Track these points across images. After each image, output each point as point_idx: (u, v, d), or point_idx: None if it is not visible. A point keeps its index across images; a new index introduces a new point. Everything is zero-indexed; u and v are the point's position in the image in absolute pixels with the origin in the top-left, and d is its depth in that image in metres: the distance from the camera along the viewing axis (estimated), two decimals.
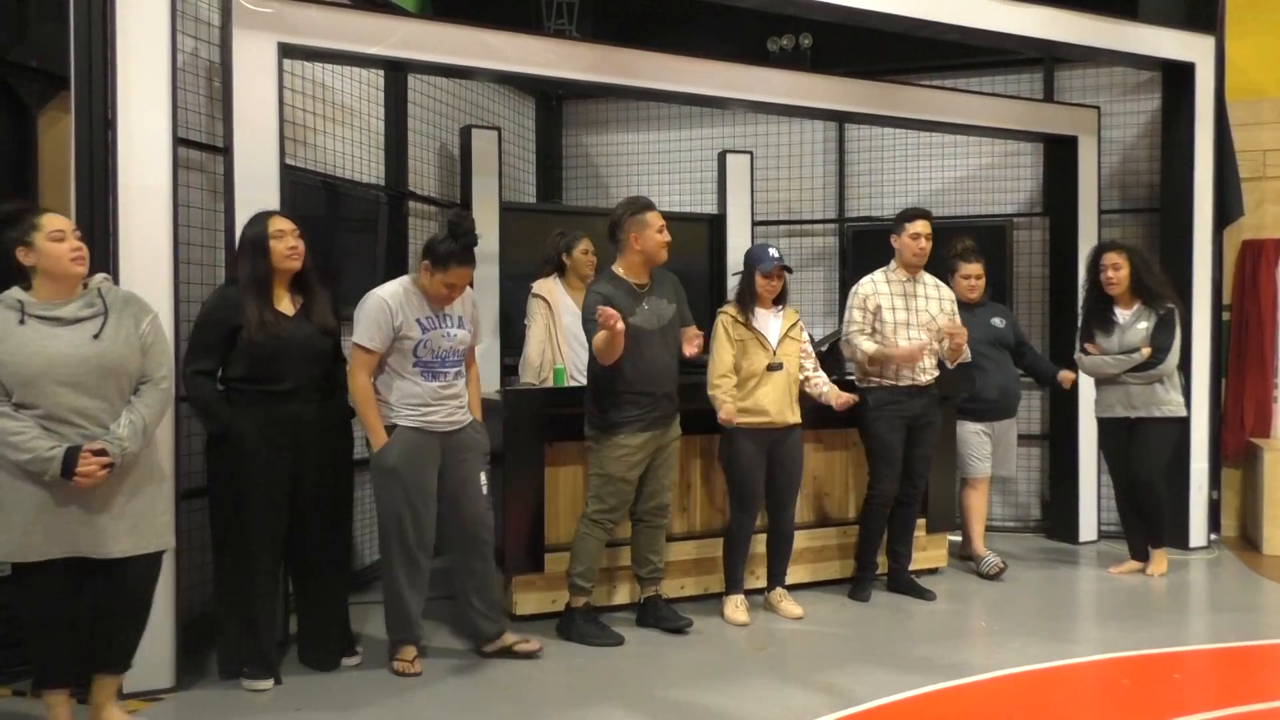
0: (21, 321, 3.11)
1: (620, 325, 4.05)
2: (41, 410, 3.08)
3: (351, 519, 4.15)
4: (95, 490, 3.13)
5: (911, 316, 4.95)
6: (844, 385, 5.07)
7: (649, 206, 4.39)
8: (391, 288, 3.96)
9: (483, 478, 4.10)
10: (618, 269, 4.40)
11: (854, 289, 5.07)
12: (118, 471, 3.16)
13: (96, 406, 3.16)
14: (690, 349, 4.38)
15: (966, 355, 5.06)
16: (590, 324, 4.21)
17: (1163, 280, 5.39)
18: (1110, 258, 5.32)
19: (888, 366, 4.90)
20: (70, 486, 3.09)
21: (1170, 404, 5.29)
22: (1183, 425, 5.47)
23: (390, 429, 3.92)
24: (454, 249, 3.89)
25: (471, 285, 4.16)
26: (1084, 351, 5.41)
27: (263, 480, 3.72)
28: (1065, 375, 5.63)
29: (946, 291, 5.15)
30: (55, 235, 3.15)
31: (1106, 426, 5.48)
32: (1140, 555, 5.52)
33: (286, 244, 3.76)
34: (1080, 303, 5.64)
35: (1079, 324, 5.54)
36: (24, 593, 3.19)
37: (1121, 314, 5.34)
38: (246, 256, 3.75)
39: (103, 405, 3.17)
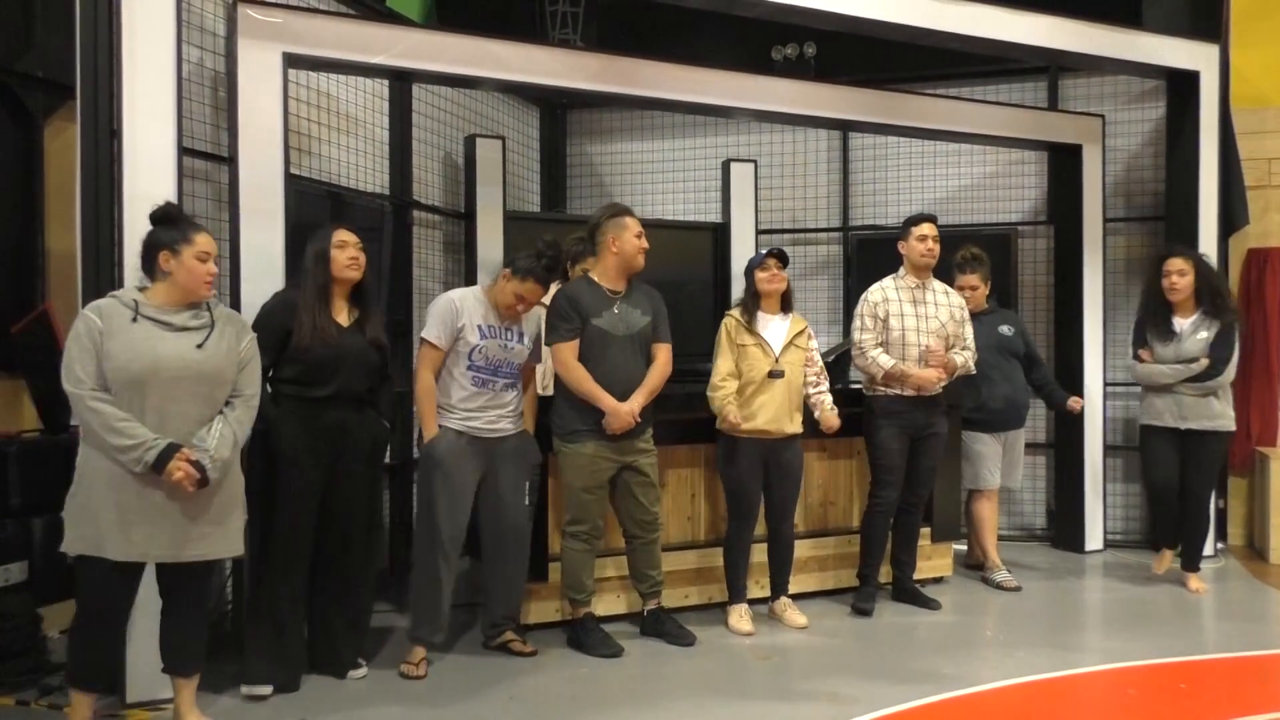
0: (134, 320, 3.19)
1: (622, 426, 4.21)
2: (139, 411, 3.16)
3: (381, 529, 4.18)
4: (185, 497, 3.20)
5: (921, 323, 4.91)
6: (849, 394, 5.08)
7: (628, 211, 4.42)
8: (461, 291, 4.20)
9: (526, 487, 4.23)
10: (593, 273, 4.41)
11: (864, 296, 5.01)
12: (210, 487, 3.23)
13: (190, 412, 3.24)
14: (621, 420, 4.24)
15: (971, 369, 5.05)
16: (551, 325, 4.29)
17: (1227, 290, 5.29)
18: (1176, 263, 5.20)
19: (904, 383, 4.88)
20: (157, 484, 3.15)
21: (1224, 418, 5.19)
22: (1232, 439, 5.40)
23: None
24: (535, 266, 4.07)
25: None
26: (1137, 358, 5.31)
27: (299, 486, 3.77)
28: (1075, 402, 5.65)
29: (957, 298, 5.11)
30: (202, 255, 3.29)
31: (1153, 433, 5.31)
32: (1174, 544, 5.43)
33: (348, 254, 3.88)
34: (1139, 307, 5.49)
35: (1133, 328, 5.43)
36: (86, 586, 3.23)
37: (1179, 322, 5.21)
38: (308, 264, 3.87)
39: (196, 411, 3.25)
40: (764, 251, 4.65)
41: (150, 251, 3.28)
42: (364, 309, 3.98)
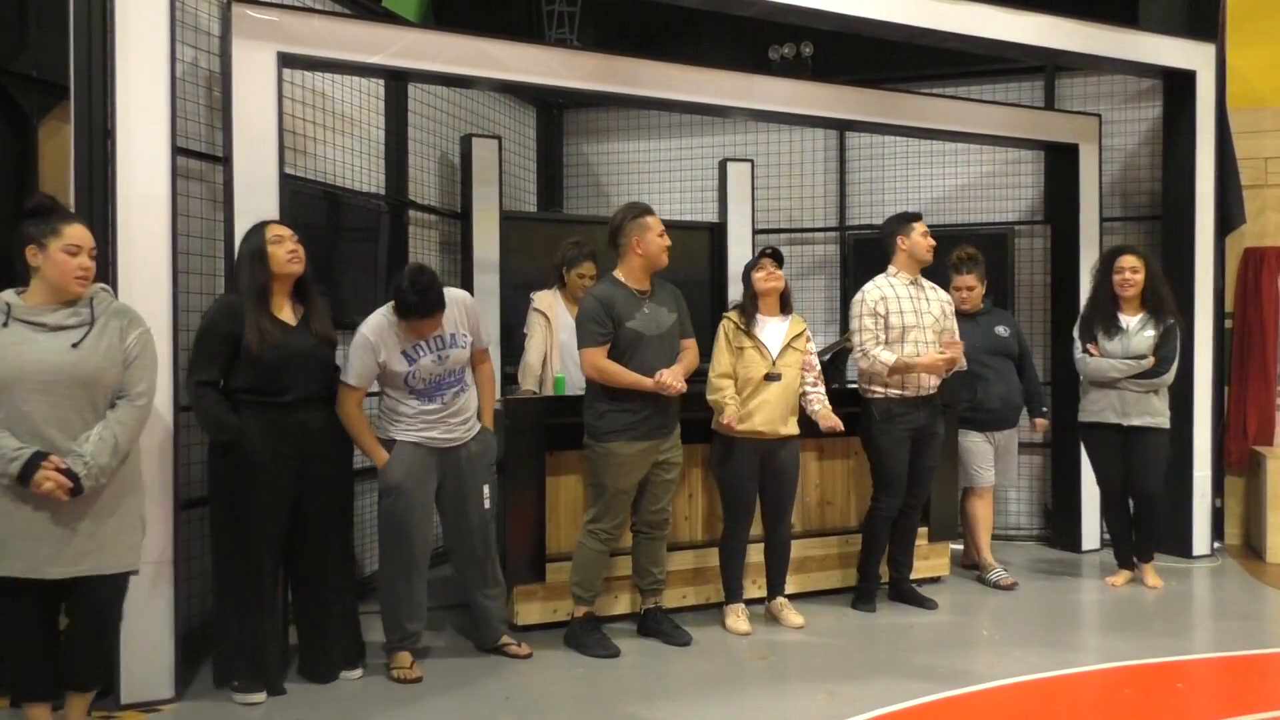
0: (4, 324, 3.05)
1: (680, 386, 4.20)
2: (4, 414, 3.01)
3: (353, 527, 4.15)
4: (63, 508, 3.05)
5: (919, 319, 4.90)
6: (845, 395, 5.06)
7: (649, 211, 4.39)
8: (375, 320, 3.94)
9: (485, 490, 4.14)
10: (618, 274, 4.38)
11: (859, 296, 4.97)
12: (87, 494, 3.07)
13: (66, 418, 3.07)
14: (672, 380, 4.23)
15: (962, 364, 5.06)
16: (584, 329, 4.23)
17: (1170, 294, 5.35)
18: (1129, 260, 5.28)
19: (906, 377, 4.86)
20: (38, 502, 3.01)
21: (1163, 414, 5.29)
22: (1170, 435, 5.44)
23: (390, 444, 3.97)
24: (412, 301, 3.81)
25: (471, 293, 4.15)
26: (1087, 353, 5.36)
27: (268, 490, 3.71)
28: (1040, 424, 5.81)
29: (944, 294, 5.13)
30: (70, 248, 3.10)
31: (1097, 432, 5.41)
32: (1129, 564, 5.50)
33: (286, 248, 3.76)
34: (1084, 303, 5.58)
35: (1079, 323, 5.47)
36: (3, 606, 3.10)
37: (1126, 320, 5.30)
38: (245, 265, 3.74)
39: (73, 417, 3.08)
40: (762, 252, 4.65)
41: (19, 246, 3.11)
42: (308, 304, 3.86)
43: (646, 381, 4.21)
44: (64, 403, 3.07)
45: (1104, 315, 5.34)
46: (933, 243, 4.96)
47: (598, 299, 4.26)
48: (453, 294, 4.04)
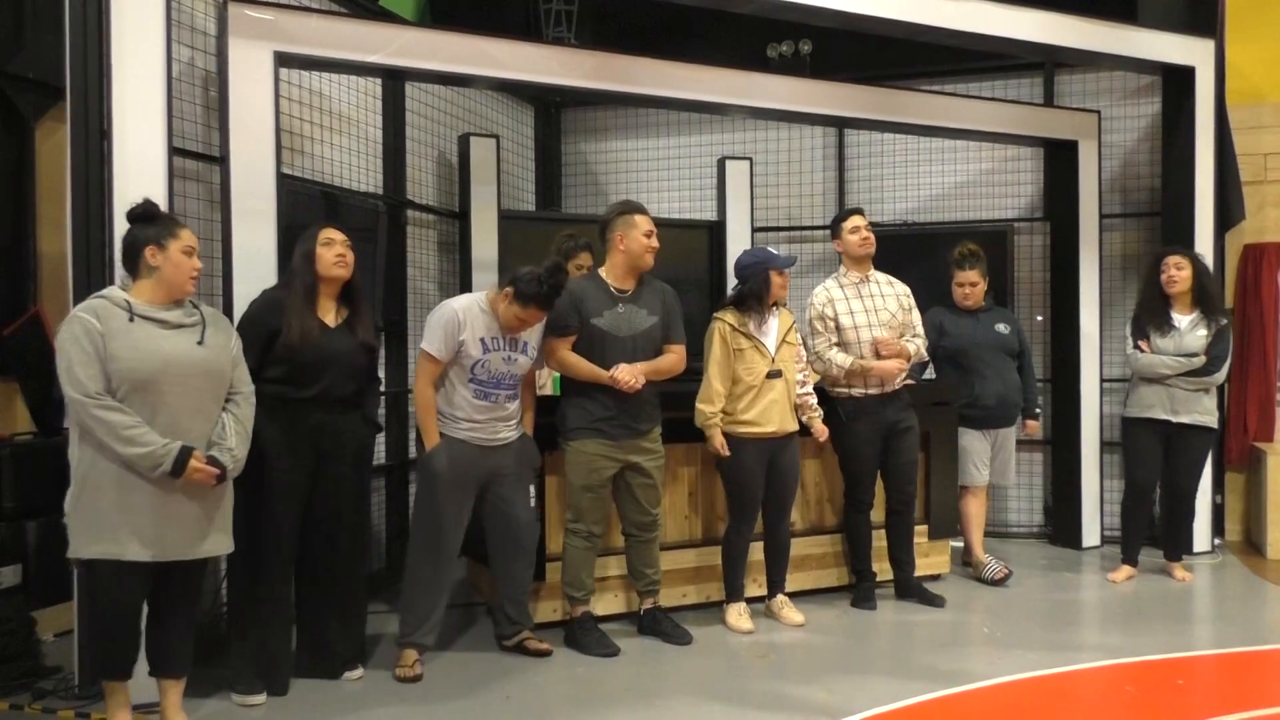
0: (131, 320, 3.17)
1: (633, 383, 4.18)
2: (150, 412, 3.15)
3: (368, 532, 4.15)
4: (192, 493, 3.22)
5: (870, 317, 4.90)
6: (819, 394, 5.06)
7: (640, 209, 4.38)
8: (465, 301, 4.09)
9: (531, 490, 4.24)
10: (602, 270, 4.38)
11: (809, 301, 5.02)
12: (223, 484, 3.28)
13: (202, 408, 3.27)
14: (625, 375, 4.21)
15: (921, 355, 5.07)
16: (551, 319, 4.22)
17: (1219, 293, 5.39)
18: (1175, 259, 5.32)
19: (866, 379, 4.87)
20: (172, 486, 3.16)
21: (1212, 414, 5.32)
22: (1216, 438, 5.48)
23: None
24: (540, 292, 3.95)
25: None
26: (1137, 349, 5.36)
27: (281, 488, 3.73)
28: (1032, 425, 5.78)
29: (902, 286, 5.11)
30: (188, 250, 3.29)
31: (1140, 427, 5.39)
32: (1135, 561, 5.50)
33: (334, 252, 3.83)
34: (1137, 303, 5.55)
35: (1131, 321, 5.48)
36: (101, 587, 3.22)
37: (1179, 318, 5.31)
38: (296, 263, 3.82)
39: (207, 408, 3.29)
40: (785, 254, 4.61)
41: (135, 248, 3.26)
42: (353, 309, 3.93)
43: (601, 374, 4.20)
44: (198, 395, 3.27)
45: (1156, 313, 5.35)
46: (864, 237, 4.95)
47: (569, 292, 4.24)
48: None
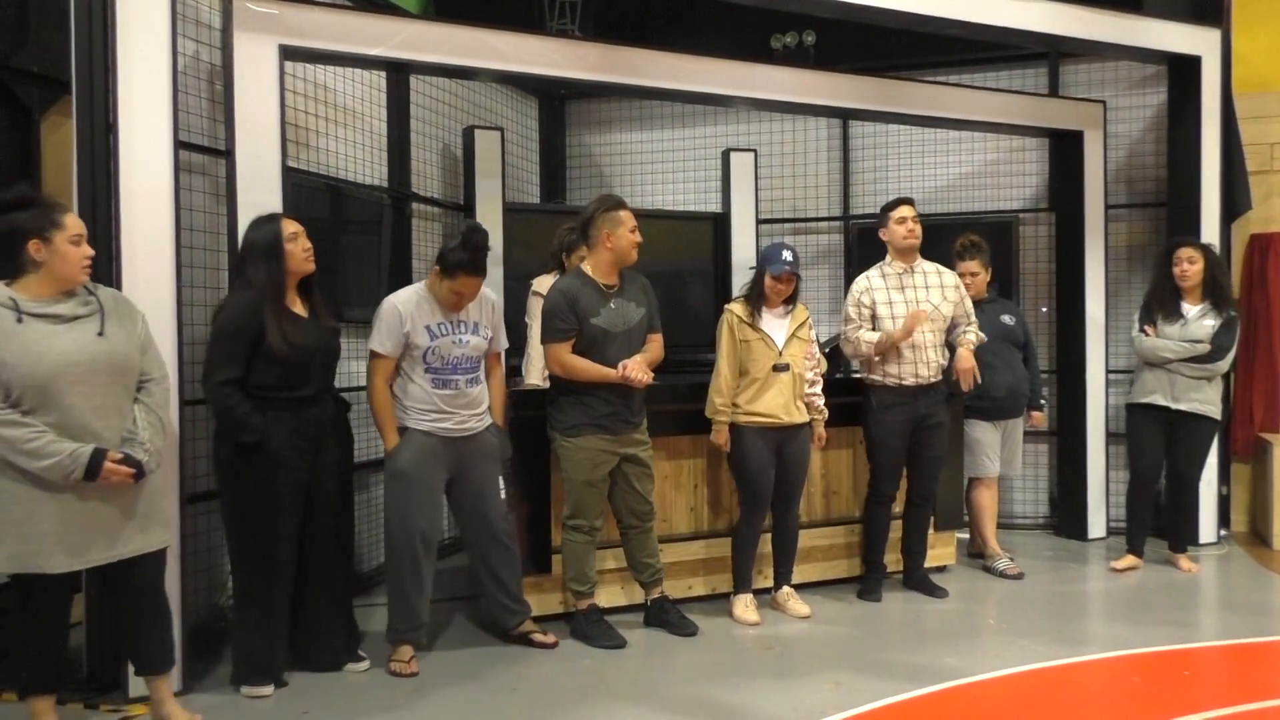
0: (19, 320, 2.96)
1: (644, 378, 4.16)
2: (54, 416, 2.97)
3: (352, 517, 4.16)
4: (110, 493, 3.06)
5: (911, 308, 4.85)
6: (848, 384, 5.06)
7: (622, 205, 4.35)
8: (405, 294, 4.02)
9: (500, 481, 4.17)
10: (586, 267, 4.36)
11: (850, 289, 5.03)
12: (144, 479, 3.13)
13: (107, 406, 3.07)
14: (635, 370, 4.20)
15: (982, 339, 5.04)
16: (547, 324, 4.21)
17: (1229, 284, 5.38)
18: (1187, 251, 5.32)
19: (893, 354, 4.82)
20: (87, 490, 3.01)
21: (1213, 404, 5.32)
22: (1218, 429, 5.48)
23: (402, 430, 3.99)
24: (463, 259, 3.88)
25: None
26: (1143, 332, 5.38)
27: (288, 486, 3.70)
28: (1037, 417, 5.79)
29: (951, 277, 5.05)
30: (75, 239, 3.06)
31: (1141, 414, 5.42)
32: (1140, 552, 5.51)
33: (302, 246, 3.76)
34: (1147, 292, 5.57)
35: (1140, 307, 5.50)
36: (26, 602, 3.09)
37: (1188, 308, 5.32)
38: (260, 261, 3.66)
39: (113, 404, 3.09)
40: (786, 260, 4.52)
41: (15, 241, 2.98)
42: (312, 296, 3.85)
43: (612, 373, 4.19)
44: (103, 391, 3.07)
45: (1165, 302, 5.36)
46: (910, 228, 4.88)
47: (562, 293, 4.23)
48: (483, 290, 4.10)
